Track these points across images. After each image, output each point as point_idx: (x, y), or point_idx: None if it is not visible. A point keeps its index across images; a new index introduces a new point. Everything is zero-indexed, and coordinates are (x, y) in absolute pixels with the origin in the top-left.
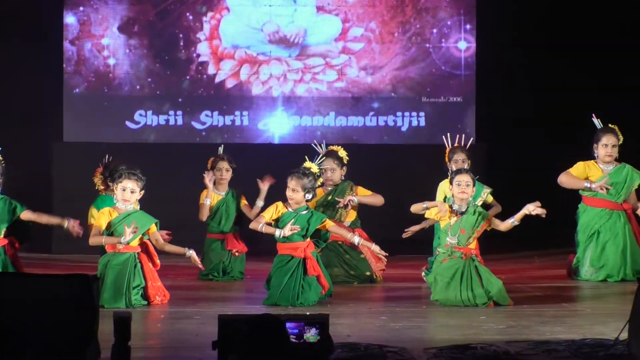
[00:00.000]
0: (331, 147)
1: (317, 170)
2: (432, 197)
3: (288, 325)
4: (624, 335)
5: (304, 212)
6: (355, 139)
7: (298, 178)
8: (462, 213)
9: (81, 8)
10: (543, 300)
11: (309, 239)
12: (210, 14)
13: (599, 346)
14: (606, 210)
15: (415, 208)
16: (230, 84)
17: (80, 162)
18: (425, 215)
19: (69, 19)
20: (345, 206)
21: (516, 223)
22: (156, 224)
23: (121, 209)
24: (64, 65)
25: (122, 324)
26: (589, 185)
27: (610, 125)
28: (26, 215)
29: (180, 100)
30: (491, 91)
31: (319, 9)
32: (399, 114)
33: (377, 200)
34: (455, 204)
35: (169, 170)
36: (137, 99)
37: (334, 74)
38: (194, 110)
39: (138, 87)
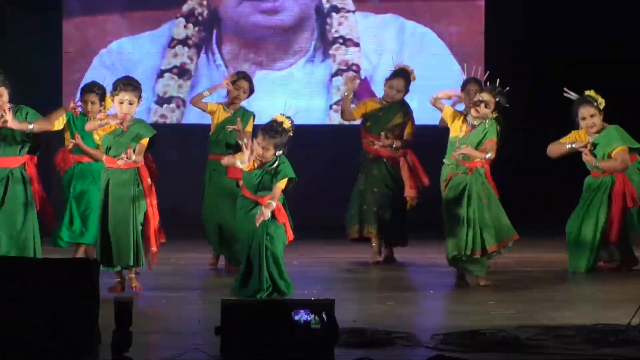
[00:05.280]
0: (404, 66)
1: (289, 125)
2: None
3: (296, 312)
4: (636, 321)
5: (274, 166)
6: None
7: (270, 138)
8: (474, 126)
9: None
10: (553, 284)
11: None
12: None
13: (610, 331)
14: None
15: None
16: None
17: None
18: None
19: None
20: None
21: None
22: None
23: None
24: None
25: (123, 309)
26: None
27: (587, 93)
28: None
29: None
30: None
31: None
32: None
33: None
34: (471, 116)
35: (179, 154)
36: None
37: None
38: None
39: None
